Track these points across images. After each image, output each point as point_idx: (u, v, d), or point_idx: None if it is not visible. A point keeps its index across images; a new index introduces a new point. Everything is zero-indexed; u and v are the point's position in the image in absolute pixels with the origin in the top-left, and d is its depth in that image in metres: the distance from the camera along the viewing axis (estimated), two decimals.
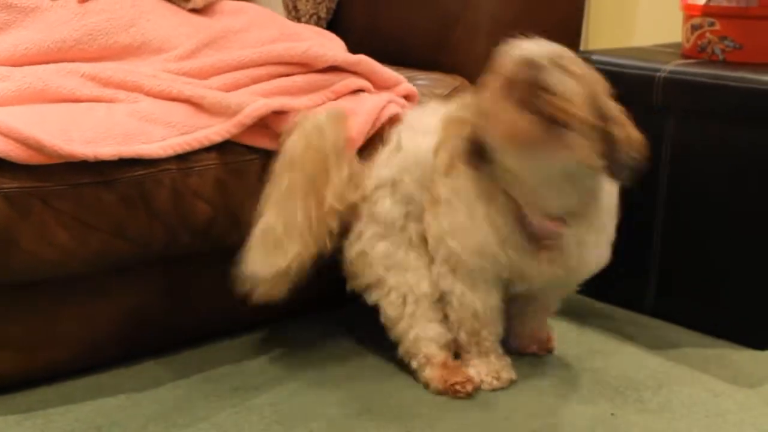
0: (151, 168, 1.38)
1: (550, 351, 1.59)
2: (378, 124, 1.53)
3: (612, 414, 1.39)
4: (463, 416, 1.38)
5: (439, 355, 1.45)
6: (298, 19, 2.01)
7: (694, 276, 1.68)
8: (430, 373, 1.45)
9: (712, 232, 1.64)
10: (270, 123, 1.48)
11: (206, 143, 1.43)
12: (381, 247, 1.46)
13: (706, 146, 1.62)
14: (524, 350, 1.58)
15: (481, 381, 1.46)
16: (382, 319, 1.49)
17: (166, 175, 1.40)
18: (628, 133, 1.27)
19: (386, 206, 1.46)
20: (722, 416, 1.39)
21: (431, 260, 1.45)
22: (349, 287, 1.51)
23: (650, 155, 1.57)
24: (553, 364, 1.55)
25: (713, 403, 1.43)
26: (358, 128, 1.51)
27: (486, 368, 1.46)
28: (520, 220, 1.34)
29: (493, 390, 1.45)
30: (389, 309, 1.47)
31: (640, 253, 1.73)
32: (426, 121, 1.46)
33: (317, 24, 2.03)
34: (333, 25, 2.06)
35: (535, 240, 1.35)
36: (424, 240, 1.45)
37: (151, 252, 1.42)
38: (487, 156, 1.29)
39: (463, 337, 1.46)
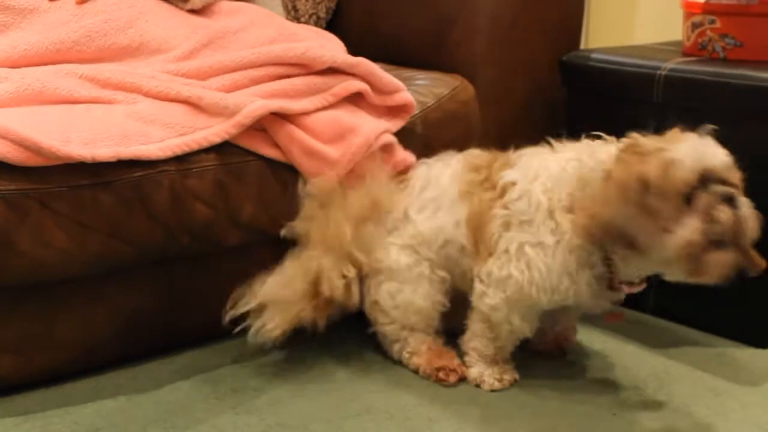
0: (150, 169, 1.38)
1: (564, 353, 1.58)
2: (371, 150, 1.51)
3: (614, 414, 1.39)
4: (464, 416, 1.37)
5: (423, 345, 1.50)
6: (298, 19, 2.00)
7: None
8: (417, 360, 1.50)
9: None
10: (268, 127, 1.47)
11: (205, 144, 1.43)
12: (386, 287, 1.49)
13: None
14: (536, 347, 1.57)
15: (483, 381, 1.46)
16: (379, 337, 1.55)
17: (165, 177, 1.39)
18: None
19: (392, 256, 1.48)
20: (724, 415, 1.39)
21: (442, 289, 1.48)
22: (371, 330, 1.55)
23: None
24: (555, 364, 1.54)
25: (715, 401, 1.43)
26: (354, 150, 1.49)
27: (490, 370, 1.46)
28: (606, 281, 1.37)
29: (493, 391, 1.45)
30: (390, 334, 1.53)
31: None
32: (439, 191, 1.47)
33: (316, 24, 2.02)
34: (332, 25, 2.05)
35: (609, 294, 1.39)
36: (441, 278, 1.48)
37: (149, 254, 1.42)
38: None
39: (490, 349, 1.46)
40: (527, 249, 1.36)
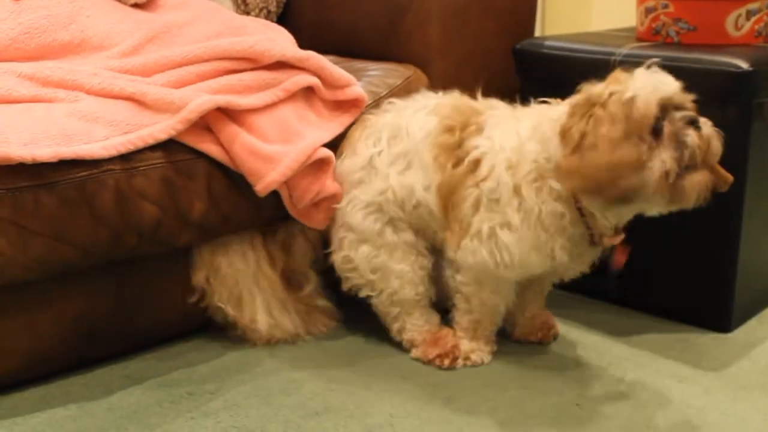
0: (94, 169, 1.33)
1: (555, 337, 1.59)
2: (308, 162, 1.46)
3: (577, 404, 1.37)
4: (423, 414, 1.35)
5: (420, 336, 1.51)
6: (248, 13, 1.96)
7: (655, 261, 1.66)
8: (415, 353, 1.52)
9: (671, 216, 1.61)
10: (213, 125, 1.43)
11: (151, 142, 1.38)
12: (363, 250, 1.48)
13: None
14: (527, 339, 1.58)
15: (469, 357, 1.49)
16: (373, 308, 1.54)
17: (110, 176, 1.35)
18: None
19: (358, 218, 1.47)
20: (686, 401, 1.38)
21: (420, 255, 1.49)
22: (344, 288, 1.54)
23: None
24: (516, 355, 1.52)
25: (678, 388, 1.42)
26: (297, 152, 1.44)
27: (473, 344, 1.50)
28: (587, 238, 1.38)
29: (474, 366, 1.49)
30: (379, 306, 1.53)
31: None
32: (411, 146, 1.45)
33: (267, 18, 1.98)
34: (283, 18, 2.02)
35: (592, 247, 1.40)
36: (407, 242, 1.48)
37: (96, 256, 1.37)
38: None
39: (466, 322, 1.49)
40: (497, 231, 1.37)
